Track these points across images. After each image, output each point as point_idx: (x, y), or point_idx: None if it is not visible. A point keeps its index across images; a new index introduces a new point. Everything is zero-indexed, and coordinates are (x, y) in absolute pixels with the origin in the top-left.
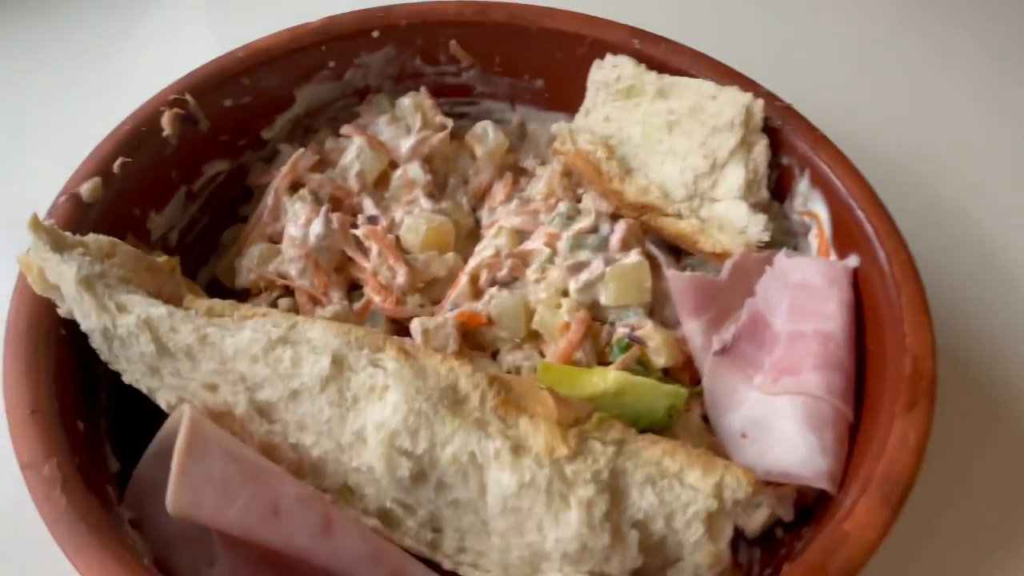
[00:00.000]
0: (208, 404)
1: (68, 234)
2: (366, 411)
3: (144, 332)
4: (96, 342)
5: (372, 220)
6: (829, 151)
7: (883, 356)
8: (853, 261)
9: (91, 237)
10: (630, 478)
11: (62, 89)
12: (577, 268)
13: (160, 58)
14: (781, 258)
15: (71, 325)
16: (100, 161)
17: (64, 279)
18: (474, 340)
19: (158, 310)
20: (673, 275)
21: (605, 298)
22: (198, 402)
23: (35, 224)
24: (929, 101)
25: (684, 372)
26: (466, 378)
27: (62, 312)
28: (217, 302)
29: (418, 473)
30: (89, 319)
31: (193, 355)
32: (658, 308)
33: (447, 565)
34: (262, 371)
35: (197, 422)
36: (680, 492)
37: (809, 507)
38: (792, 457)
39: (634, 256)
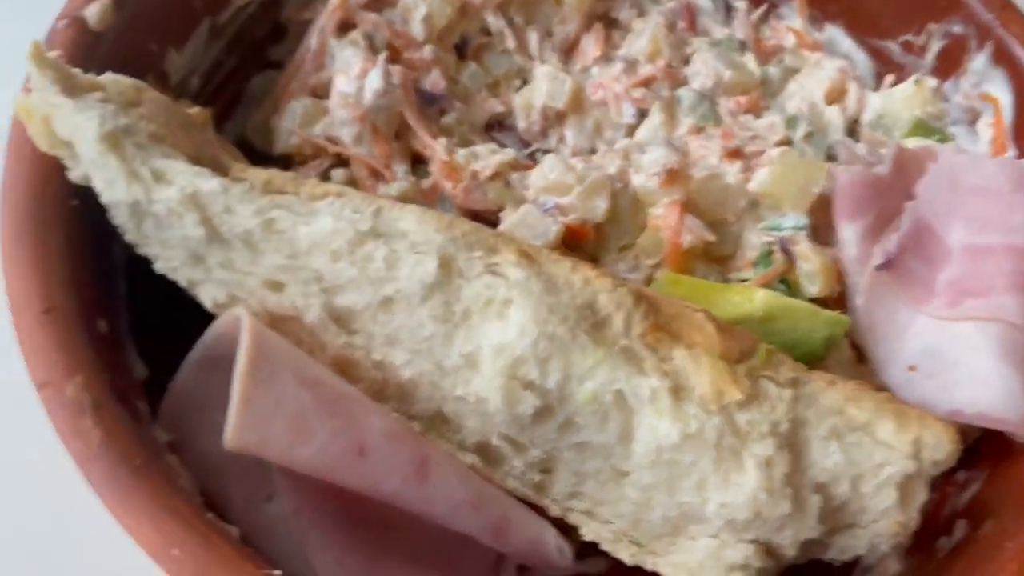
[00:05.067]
0: (269, 306)
1: (80, 72)
2: (481, 330)
3: (190, 211)
4: (120, 218)
5: None
6: (1020, 20)
7: None
8: None
9: (110, 78)
10: (812, 431)
11: None
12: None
13: None
14: (948, 154)
15: (85, 192)
16: None
17: (80, 134)
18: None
19: (208, 183)
20: (837, 169)
21: (755, 183)
22: (255, 303)
23: (38, 56)
24: None
25: (837, 303)
26: (607, 294)
27: (74, 176)
28: (276, 174)
29: (543, 409)
30: (114, 189)
31: (253, 244)
32: (820, 223)
33: (554, 511)
34: (346, 271)
35: (261, 336)
36: (872, 450)
37: (965, 449)
38: (990, 396)
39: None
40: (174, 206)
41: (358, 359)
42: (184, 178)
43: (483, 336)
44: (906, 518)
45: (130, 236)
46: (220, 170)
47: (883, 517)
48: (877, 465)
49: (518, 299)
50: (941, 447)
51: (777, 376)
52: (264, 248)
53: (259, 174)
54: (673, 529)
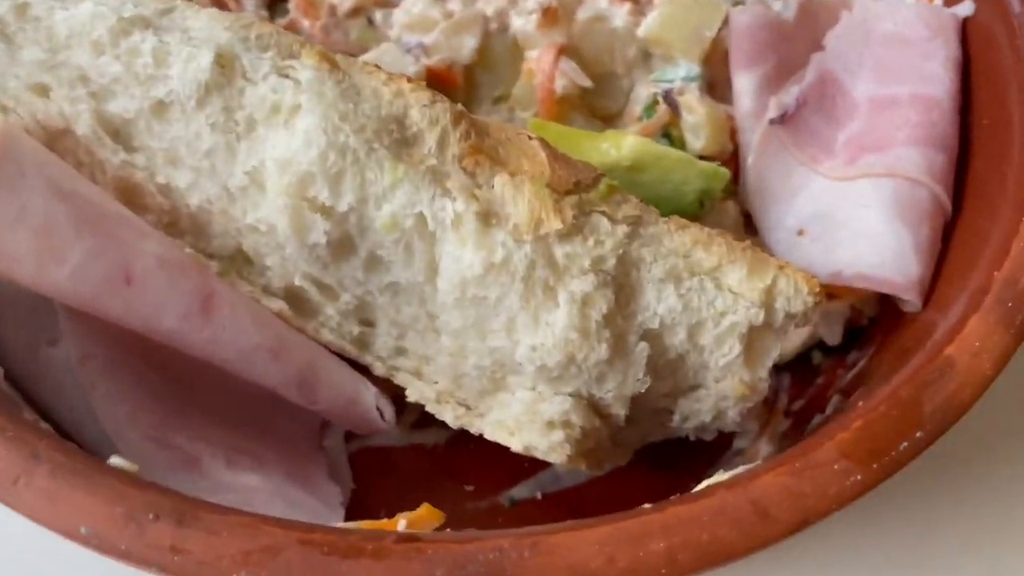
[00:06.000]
0: (40, 117)
1: None
2: (266, 141)
3: None
4: None
5: None
6: None
7: (1005, 132)
8: (967, 8)
9: None
10: (646, 272)
11: None
12: None
13: None
14: (864, 1)
15: None
16: None
17: None
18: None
19: None
20: (735, 10)
21: (643, 27)
22: (25, 113)
23: None
24: None
25: (730, 165)
26: (420, 108)
27: None
28: None
29: (341, 240)
30: None
31: (9, 36)
32: (719, 78)
33: (379, 371)
34: (111, 67)
35: (12, 138)
36: (715, 297)
37: (859, 329)
38: (875, 254)
39: None
40: None
41: (141, 182)
42: None
43: (268, 149)
44: (753, 378)
45: None
46: None
47: (727, 375)
48: (719, 313)
49: (307, 104)
50: (799, 298)
51: (614, 213)
52: (21, 41)
53: None
54: (493, 384)
